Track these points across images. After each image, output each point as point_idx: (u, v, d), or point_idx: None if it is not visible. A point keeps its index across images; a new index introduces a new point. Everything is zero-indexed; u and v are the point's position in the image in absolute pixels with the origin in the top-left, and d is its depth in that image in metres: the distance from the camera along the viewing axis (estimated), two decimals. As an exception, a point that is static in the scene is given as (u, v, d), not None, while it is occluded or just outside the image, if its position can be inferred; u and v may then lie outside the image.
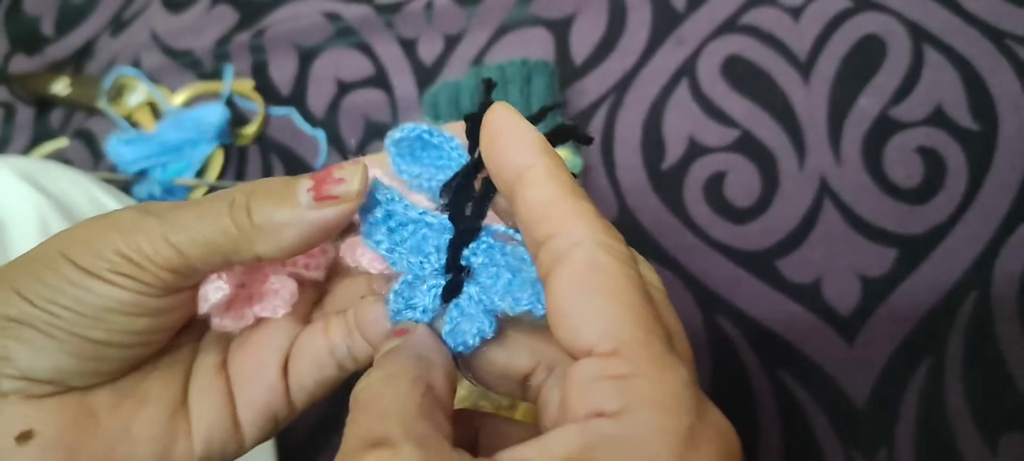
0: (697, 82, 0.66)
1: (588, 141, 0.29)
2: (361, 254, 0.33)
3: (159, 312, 0.30)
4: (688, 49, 0.68)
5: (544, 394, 0.28)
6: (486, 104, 0.31)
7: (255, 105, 0.75)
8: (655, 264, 0.60)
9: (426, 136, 0.31)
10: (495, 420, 0.31)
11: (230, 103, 0.75)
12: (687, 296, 0.59)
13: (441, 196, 0.31)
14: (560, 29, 0.72)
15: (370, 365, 0.32)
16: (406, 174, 0.32)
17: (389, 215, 0.30)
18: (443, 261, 0.29)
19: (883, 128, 0.61)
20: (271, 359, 0.33)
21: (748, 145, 0.63)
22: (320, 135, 0.71)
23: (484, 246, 0.28)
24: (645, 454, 0.21)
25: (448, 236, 0.29)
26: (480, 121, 0.28)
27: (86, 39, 0.83)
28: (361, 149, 0.70)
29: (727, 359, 0.56)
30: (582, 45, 0.71)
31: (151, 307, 0.29)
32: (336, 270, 0.36)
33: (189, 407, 0.32)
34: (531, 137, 0.26)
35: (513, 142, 0.26)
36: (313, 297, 0.35)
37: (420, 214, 0.30)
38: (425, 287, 0.29)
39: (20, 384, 0.28)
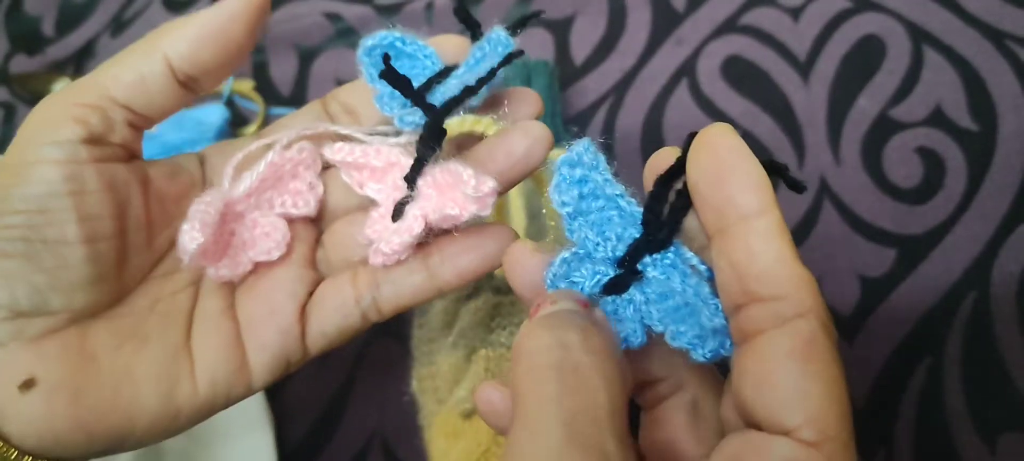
0: (697, 82, 0.66)
1: (800, 189, 0.28)
2: (338, 150, 0.33)
3: (95, 189, 0.30)
4: (688, 49, 0.68)
5: (666, 411, 0.27)
6: (465, 14, 0.31)
7: (255, 105, 0.75)
8: (655, 264, 0.60)
9: (400, 43, 0.32)
10: None
11: (230, 103, 0.75)
12: (686, 296, 0.59)
13: (418, 103, 0.31)
14: (560, 29, 0.72)
15: (394, 317, 0.32)
16: (378, 83, 0.32)
17: (585, 180, 0.28)
18: (619, 252, 0.27)
19: (882, 128, 0.61)
20: (286, 304, 0.33)
21: (747, 145, 0.62)
22: (320, 135, 0.72)
23: (668, 261, 0.27)
24: None
25: (634, 231, 0.27)
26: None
27: (87, 39, 0.84)
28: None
29: (726, 359, 0.56)
30: (582, 45, 0.71)
31: (83, 178, 0.29)
32: (328, 212, 0.37)
33: (192, 349, 0.32)
34: (764, 180, 0.24)
35: (745, 179, 0.24)
36: (311, 237, 0.36)
37: (617, 195, 0.28)
38: (591, 269, 0.27)
39: (11, 326, 0.28)
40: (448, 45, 0.34)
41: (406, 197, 0.32)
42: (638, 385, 0.28)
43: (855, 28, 0.65)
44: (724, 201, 0.24)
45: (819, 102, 0.63)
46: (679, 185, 0.27)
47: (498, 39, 0.32)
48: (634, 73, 0.68)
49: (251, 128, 0.73)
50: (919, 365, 0.53)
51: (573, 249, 0.28)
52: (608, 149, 0.64)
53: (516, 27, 0.30)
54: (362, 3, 0.77)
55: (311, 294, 0.35)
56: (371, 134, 0.34)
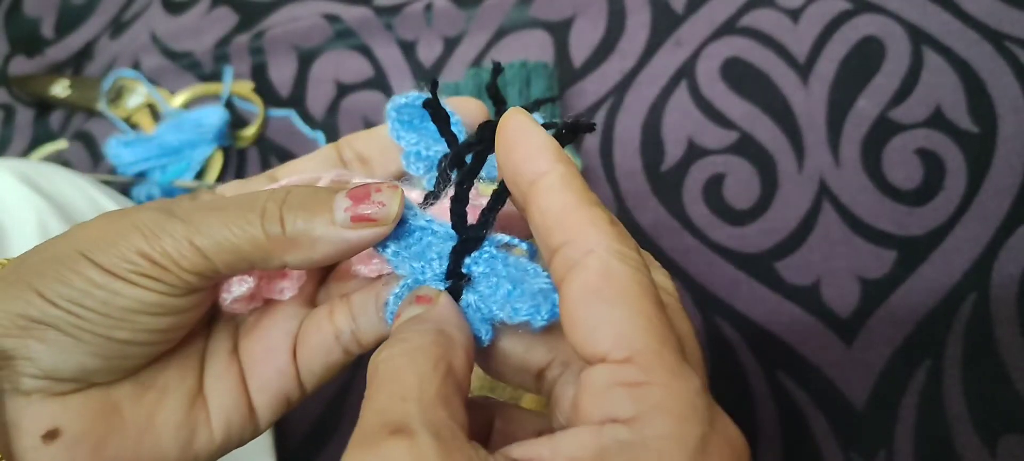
0: (696, 84, 0.66)
1: (590, 129, 0.29)
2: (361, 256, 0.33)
3: (181, 310, 0.29)
4: (687, 51, 0.68)
5: (558, 389, 0.28)
6: (495, 91, 0.32)
7: (255, 107, 0.75)
8: (654, 266, 0.60)
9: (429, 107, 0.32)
10: (509, 409, 0.31)
11: (230, 105, 0.75)
12: (686, 298, 0.59)
13: (439, 168, 0.31)
14: (559, 31, 0.72)
15: (375, 349, 0.32)
16: (404, 141, 0.32)
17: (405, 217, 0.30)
18: (445, 268, 0.29)
19: (882, 130, 0.61)
20: (281, 342, 0.33)
21: (747, 147, 0.63)
22: (319, 137, 0.72)
23: (486, 256, 0.29)
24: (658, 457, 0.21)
25: (451, 244, 0.29)
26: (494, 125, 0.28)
27: (86, 41, 0.83)
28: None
29: (726, 361, 0.56)
30: (581, 47, 0.71)
31: (174, 306, 0.29)
32: None
33: (206, 394, 0.32)
34: (546, 143, 0.25)
35: (528, 148, 0.25)
36: (318, 276, 0.36)
37: (426, 221, 0.30)
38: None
39: (42, 383, 0.28)
40: (467, 106, 0.34)
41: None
42: (530, 376, 0.29)
43: (854, 30, 0.65)
44: (518, 172, 0.25)
45: (819, 103, 0.63)
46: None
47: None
48: (633, 75, 0.68)
49: (250, 130, 0.73)
50: (919, 367, 0.53)
51: (402, 282, 0.30)
52: (606, 151, 0.64)
53: (566, 132, 0.29)
54: (361, 5, 0.77)
55: None
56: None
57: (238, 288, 0.31)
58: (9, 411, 0.28)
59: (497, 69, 0.34)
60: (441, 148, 0.32)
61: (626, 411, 0.22)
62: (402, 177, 0.35)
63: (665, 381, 0.22)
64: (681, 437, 0.22)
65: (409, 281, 0.30)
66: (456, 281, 0.29)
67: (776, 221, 0.60)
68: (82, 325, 0.28)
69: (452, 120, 0.32)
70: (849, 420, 0.53)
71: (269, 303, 0.34)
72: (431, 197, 0.31)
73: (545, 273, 0.27)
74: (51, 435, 0.28)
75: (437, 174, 0.31)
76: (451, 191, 0.30)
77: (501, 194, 0.28)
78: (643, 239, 0.61)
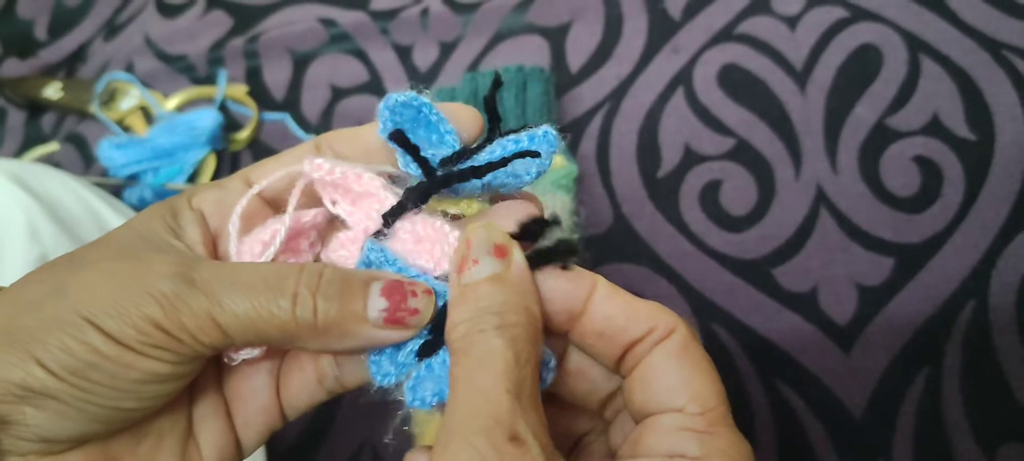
0: (693, 90, 0.66)
1: (574, 252, 0.30)
2: (318, 166, 0.32)
3: (188, 375, 0.29)
4: (684, 57, 0.68)
5: (616, 425, 0.31)
6: (492, 105, 0.32)
7: (248, 110, 0.74)
8: (650, 271, 0.60)
9: (425, 110, 0.31)
10: None
11: (223, 108, 0.74)
12: (683, 304, 0.58)
13: (403, 197, 0.31)
14: (556, 37, 0.71)
15: (360, 389, 0.32)
16: (393, 141, 0.31)
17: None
18: (426, 335, 0.29)
19: (880, 137, 0.60)
20: (265, 382, 0.33)
21: (744, 153, 0.62)
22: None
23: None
24: None
25: (440, 301, 0.29)
26: (493, 108, 0.30)
27: (79, 43, 0.83)
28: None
29: (723, 368, 0.56)
30: (578, 53, 0.70)
31: (182, 373, 0.28)
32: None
33: (195, 434, 0.32)
34: (577, 270, 0.29)
35: (564, 276, 0.29)
36: None
37: (414, 276, 0.30)
38: (406, 347, 0.29)
39: (39, 446, 0.27)
40: (462, 114, 0.33)
41: (380, 233, 0.31)
42: (570, 441, 0.32)
43: (852, 37, 0.65)
44: (562, 300, 0.29)
45: (816, 110, 0.62)
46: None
47: (545, 136, 0.31)
48: (630, 81, 0.68)
49: (244, 133, 0.73)
50: (918, 374, 0.53)
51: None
52: (603, 157, 0.64)
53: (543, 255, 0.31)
54: (357, 9, 0.77)
55: None
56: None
57: (248, 354, 0.31)
58: None
59: (497, 82, 0.34)
60: (436, 151, 0.32)
61: (693, 450, 0.26)
62: (390, 178, 0.34)
63: (728, 436, 0.26)
64: None
65: None
66: (437, 335, 0.29)
67: (773, 228, 0.59)
68: (86, 398, 0.26)
69: (445, 128, 0.32)
70: (847, 428, 0.53)
71: None
72: (389, 217, 0.31)
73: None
74: None
75: (403, 198, 0.31)
76: (413, 217, 0.30)
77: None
78: (640, 244, 0.61)
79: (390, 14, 0.76)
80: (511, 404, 0.24)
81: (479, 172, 0.30)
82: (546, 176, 0.60)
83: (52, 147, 0.77)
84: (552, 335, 0.29)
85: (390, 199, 0.31)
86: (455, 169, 0.30)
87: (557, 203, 0.59)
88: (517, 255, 0.28)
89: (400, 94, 0.31)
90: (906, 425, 0.52)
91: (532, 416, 0.25)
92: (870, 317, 0.55)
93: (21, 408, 0.26)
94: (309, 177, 0.32)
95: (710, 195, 0.62)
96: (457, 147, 0.32)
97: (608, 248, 0.61)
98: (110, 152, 0.70)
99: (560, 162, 0.62)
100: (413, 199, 0.30)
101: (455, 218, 0.33)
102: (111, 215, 0.59)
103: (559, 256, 0.29)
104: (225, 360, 0.31)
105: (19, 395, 0.25)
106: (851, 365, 0.54)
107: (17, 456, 0.27)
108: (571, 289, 0.28)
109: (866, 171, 0.59)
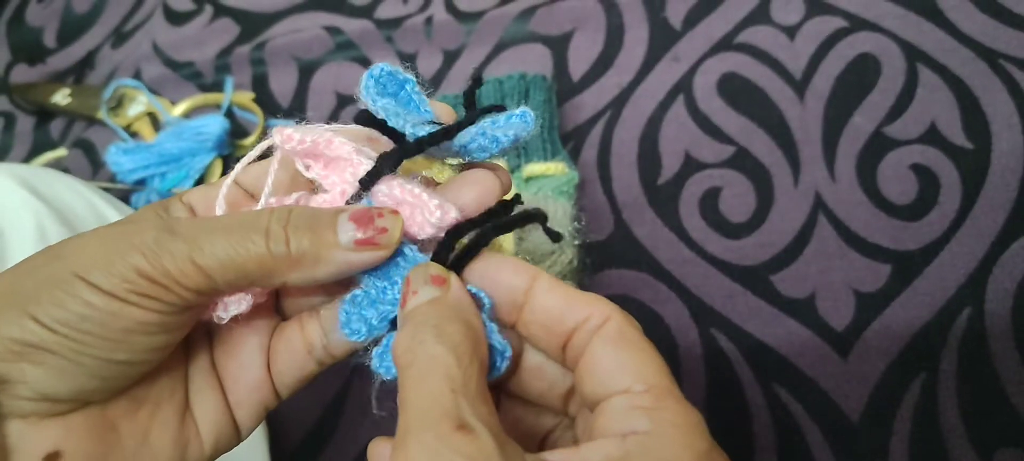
0: (693, 99, 0.67)
1: (543, 220, 0.32)
2: (289, 137, 0.33)
3: (176, 327, 0.30)
4: (684, 66, 0.68)
5: (579, 422, 0.32)
6: (471, 101, 0.33)
7: (255, 117, 0.75)
8: (651, 277, 0.60)
9: (408, 87, 0.33)
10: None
11: (230, 114, 0.75)
12: (682, 310, 0.59)
13: (375, 164, 0.32)
14: (558, 45, 0.72)
15: (347, 358, 0.33)
16: (379, 103, 0.32)
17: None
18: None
19: (877, 145, 0.61)
20: (255, 357, 0.34)
21: (743, 161, 0.63)
22: (319, 147, 0.72)
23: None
24: (672, 458, 0.26)
25: (411, 263, 0.30)
26: (472, 101, 0.32)
27: (87, 50, 0.84)
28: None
29: (722, 373, 0.57)
30: (580, 61, 0.71)
31: (170, 324, 0.29)
32: None
33: (192, 408, 0.33)
34: (521, 263, 0.31)
35: (508, 269, 0.30)
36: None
37: (403, 246, 0.31)
38: (378, 310, 0.30)
39: (39, 405, 0.28)
40: (438, 110, 0.35)
41: (357, 196, 0.32)
42: (538, 439, 0.33)
43: (850, 47, 0.65)
44: (505, 292, 0.30)
45: (815, 119, 0.63)
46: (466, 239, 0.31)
47: (522, 116, 0.33)
48: (631, 89, 0.69)
49: (250, 139, 0.74)
50: (914, 380, 0.53)
51: (356, 291, 0.32)
52: (603, 164, 0.65)
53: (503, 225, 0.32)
54: (362, 17, 0.78)
55: None
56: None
57: (236, 307, 0.31)
58: (8, 434, 0.28)
59: (477, 82, 0.35)
60: (413, 117, 0.33)
61: (644, 426, 0.26)
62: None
63: (676, 407, 0.27)
64: (692, 446, 0.26)
65: (371, 292, 0.31)
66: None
67: (772, 235, 0.60)
68: (80, 349, 0.27)
69: (425, 108, 0.33)
70: (844, 433, 0.53)
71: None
72: (366, 181, 0.32)
73: (495, 330, 0.30)
74: (52, 457, 0.28)
75: (378, 163, 0.32)
76: (390, 181, 0.31)
77: (474, 250, 0.31)
78: (639, 251, 0.62)
79: (394, 22, 0.77)
80: (454, 399, 0.25)
81: (450, 133, 0.31)
82: (548, 183, 0.61)
83: (61, 153, 0.78)
84: (506, 327, 0.31)
85: (364, 163, 0.32)
86: (425, 134, 0.31)
87: (558, 209, 0.60)
88: (454, 281, 0.29)
89: (386, 65, 0.33)
90: (903, 430, 0.52)
91: (481, 408, 0.25)
92: (867, 323, 0.56)
93: (20, 366, 0.27)
94: (282, 149, 0.33)
95: (710, 202, 0.62)
96: (432, 128, 0.32)
97: (608, 254, 0.62)
98: (118, 157, 0.71)
99: (561, 169, 0.62)
100: (388, 164, 0.31)
101: (428, 183, 0.34)
102: (118, 219, 0.60)
103: (518, 222, 0.31)
104: (215, 320, 0.31)
105: (17, 351, 0.27)
106: (849, 370, 0.55)
107: (18, 417, 0.28)
108: (513, 280, 0.30)
109: (864, 179, 0.60)
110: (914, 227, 0.58)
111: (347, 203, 0.32)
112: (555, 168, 0.62)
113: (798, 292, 0.58)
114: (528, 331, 0.31)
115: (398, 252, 0.30)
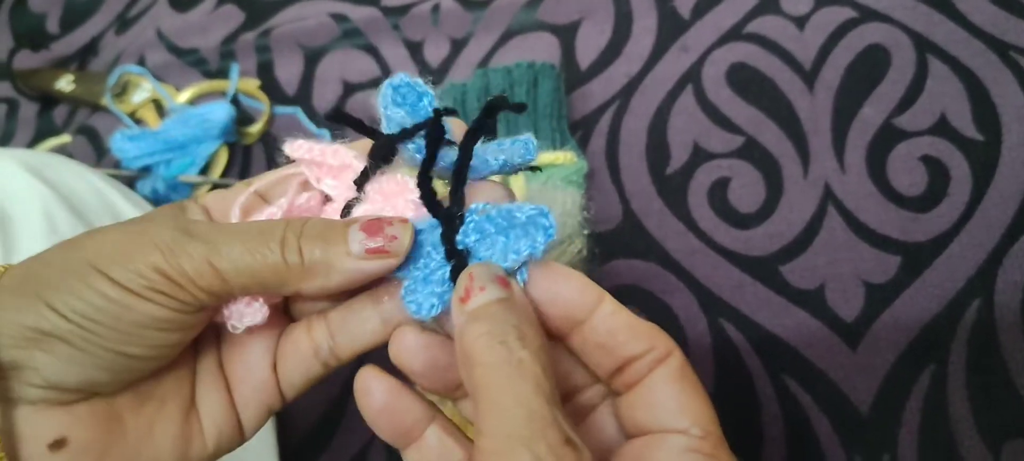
0: (702, 89, 0.66)
1: (520, 110, 0.32)
2: (297, 147, 0.34)
3: (188, 327, 0.30)
4: (693, 56, 0.68)
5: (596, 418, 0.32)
6: (488, 110, 0.33)
7: (260, 104, 0.75)
8: (659, 267, 0.60)
9: (426, 100, 0.33)
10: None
11: (235, 102, 0.75)
12: (691, 300, 0.59)
13: (369, 156, 0.33)
14: (566, 34, 0.72)
15: (353, 362, 0.33)
16: (391, 112, 0.33)
17: None
18: (442, 253, 0.31)
19: (887, 137, 0.61)
20: (262, 358, 0.34)
21: (752, 152, 0.63)
22: (325, 135, 0.72)
23: (472, 225, 0.30)
24: None
25: (438, 230, 0.31)
26: (481, 128, 0.32)
27: (91, 36, 0.84)
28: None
29: (731, 363, 0.57)
30: (588, 50, 0.71)
31: (183, 322, 0.30)
32: None
33: (197, 406, 0.33)
34: (586, 282, 0.30)
35: (577, 284, 0.30)
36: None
37: (418, 227, 0.31)
38: (430, 289, 0.30)
39: (47, 393, 0.29)
40: (454, 128, 0.35)
41: (354, 199, 0.33)
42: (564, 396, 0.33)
43: (860, 38, 0.65)
44: (568, 307, 0.30)
45: (824, 110, 0.63)
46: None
47: (525, 143, 0.34)
48: (639, 78, 0.68)
49: (256, 127, 0.73)
50: (923, 372, 0.53)
51: (411, 276, 0.31)
52: (612, 154, 0.65)
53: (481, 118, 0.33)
54: (369, 4, 0.77)
55: None
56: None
57: (251, 318, 0.32)
58: (16, 420, 0.28)
59: (489, 112, 0.35)
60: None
61: None
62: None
63: (727, 459, 0.28)
64: None
65: (419, 273, 0.31)
66: (458, 258, 0.30)
67: (781, 225, 0.60)
68: (92, 339, 0.28)
69: (447, 129, 0.34)
70: (853, 424, 0.53)
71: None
72: (359, 183, 0.33)
73: (527, 206, 0.30)
74: (58, 444, 0.29)
75: (367, 164, 0.33)
76: (386, 177, 0.32)
77: (461, 171, 0.31)
78: (648, 241, 0.61)
79: (401, 10, 0.76)
80: (552, 412, 0.25)
81: (433, 138, 0.32)
82: (557, 172, 0.61)
83: (64, 139, 0.78)
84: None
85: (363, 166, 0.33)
86: (424, 135, 0.32)
87: (567, 199, 0.60)
88: (516, 286, 0.29)
89: (408, 75, 0.34)
90: (912, 421, 0.52)
91: (572, 426, 0.26)
92: (877, 314, 0.55)
93: (32, 353, 0.28)
94: (296, 161, 0.35)
95: (718, 192, 0.62)
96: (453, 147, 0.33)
97: (617, 244, 0.62)
98: (123, 144, 0.71)
99: (569, 158, 0.62)
100: (373, 160, 0.32)
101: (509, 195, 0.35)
102: (125, 205, 0.60)
103: (487, 116, 0.31)
104: (230, 328, 0.32)
105: (31, 338, 0.27)
106: (858, 362, 0.55)
107: (28, 403, 0.28)
108: (578, 298, 0.30)
109: (873, 170, 0.60)
110: (924, 219, 0.58)
111: (347, 204, 0.33)
112: (564, 157, 0.62)
113: (807, 283, 0.58)
114: (582, 346, 0.31)
115: (418, 234, 0.31)
